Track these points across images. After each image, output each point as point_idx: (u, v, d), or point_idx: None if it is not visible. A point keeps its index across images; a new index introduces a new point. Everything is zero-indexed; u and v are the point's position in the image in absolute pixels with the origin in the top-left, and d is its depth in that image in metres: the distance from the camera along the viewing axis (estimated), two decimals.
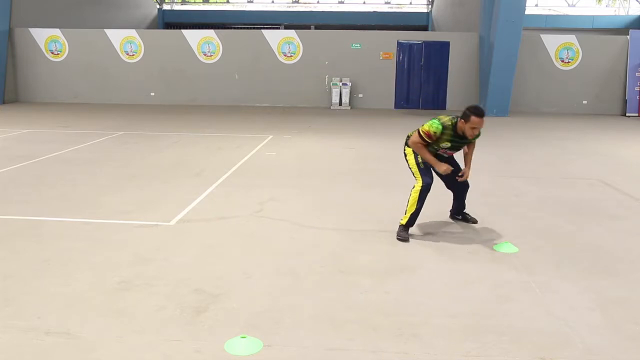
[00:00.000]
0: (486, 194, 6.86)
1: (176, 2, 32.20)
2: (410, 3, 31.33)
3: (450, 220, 5.76)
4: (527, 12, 16.77)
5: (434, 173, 5.26)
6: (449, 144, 5.10)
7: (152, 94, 18.28)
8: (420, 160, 5.15)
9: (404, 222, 5.16)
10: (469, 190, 5.62)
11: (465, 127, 4.95)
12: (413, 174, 5.22)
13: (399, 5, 31.47)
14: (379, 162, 8.85)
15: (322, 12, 30.90)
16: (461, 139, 5.10)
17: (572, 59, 17.39)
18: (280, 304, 3.72)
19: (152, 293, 3.86)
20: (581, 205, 6.40)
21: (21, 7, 18.45)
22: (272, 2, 31.81)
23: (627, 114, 16.92)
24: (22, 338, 3.23)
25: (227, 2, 32.43)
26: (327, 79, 17.80)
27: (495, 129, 13.37)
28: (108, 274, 4.19)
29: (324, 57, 17.89)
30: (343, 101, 17.52)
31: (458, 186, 5.50)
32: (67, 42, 18.33)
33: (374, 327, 3.42)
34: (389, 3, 31.45)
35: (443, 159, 5.28)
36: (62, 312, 3.56)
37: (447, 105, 17.78)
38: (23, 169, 7.93)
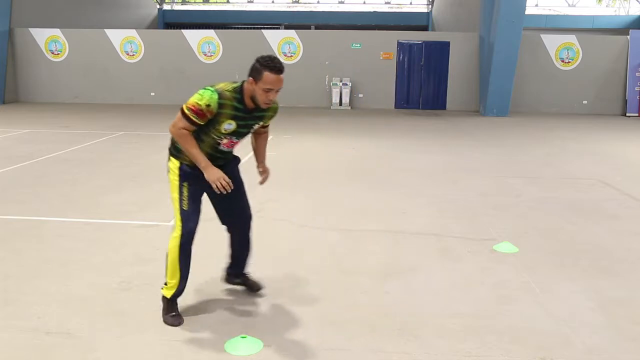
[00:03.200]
0: (486, 194, 6.86)
1: (176, 2, 32.21)
2: (411, 3, 31.35)
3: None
4: (527, 12, 16.77)
5: (201, 202, 3.54)
6: (233, 125, 3.32)
7: (152, 94, 18.28)
8: (184, 192, 3.41)
9: (168, 294, 3.47)
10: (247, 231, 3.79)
11: (255, 90, 3.24)
12: (173, 210, 3.47)
13: (399, 5, 31.49)
14: (379, 162, 8.84)
15: (322, 12, 30.92)
16: (251, 113, 3.37)
17: (573, 59, 17.39)
18: (280, 304, 3.72)
19: (152, 293, 3.86)
20: (581, 205, 6.40)
21: (21, 7, 18.46)
22: (272, 2, 31.82)
23: (627, 114, 16.92)
24: (22, 338, 3.23)
25: (227, 2, 32.44)
26: (327, 79, 17.80)
27: (495, 129, 13.37)
28: (108, 274, 4.19)
29: (324, 57, 17.89)
30: (343, 101, 17.52)
31: (236, 217, 3.73)
32: (67, 42, 18.33)
33: (374, 327, 3.42)
34: (389, 3, 31.46)
35: (222, 154, 3.49)
36: (62, 312, 3.56)
37: (447, 106, 17.78)
38: (23, 169, 7.93)
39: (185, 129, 3.29)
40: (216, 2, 32.65)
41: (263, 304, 3.73)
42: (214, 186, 3.32)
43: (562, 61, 17.42)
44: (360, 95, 17.90)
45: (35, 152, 9.19)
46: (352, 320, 3.50)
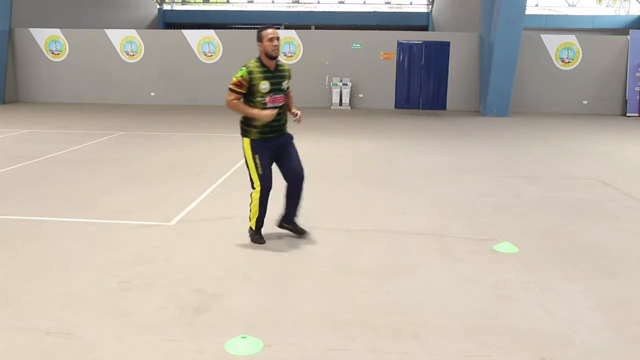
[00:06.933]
0: (486, 194, 6.86)
1: (176, 2, 32.21)
2: (411, 3, 31.36)
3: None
4: (527, 12, 16.77)
5: (271, 166, 4.82)
6: (268, 85, 4.59)
7: (152, 94, 18.28)
8: (257, 161, 4.70)
9: (253, 226, 4.92)
10: (303, 188, 4.96)
11: (265, 46, 4.57)
12: (250, 175, 4.79)
13: (399, 5, 31.50)
14: (379, 162, 8.84)
15: (322, 12, 30.93)
16: (274, 73, 4.65)
17: (573, 59, 17.39)
18: (280, 304, 3.72)
19: (152, 293, 3.86)
20: (581, 205, 6.40)
21: (21, 7, 18.46)
22: (272, 2, 31.82)
23: (627, 114, 16.92)
24: (22, 338, 3.23)
25: (228, 2, 32.44)
26: (327, 79, 17.80)
27: (495, 129, 13.37)
28: (108, 274, 4.19)
29: (324, 57, 17.89)
30: (343, 101, 17.52)
31: (293, 175, 4.90)
32: (67, 42, 18.33)
33: (374, 327, 3.42)
34: (389, 3, 31.47)
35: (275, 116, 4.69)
36: (62, 312, 3.56)
37: (447, 106, 17.78)
38: (23, 169, 7.93)
39: (235, 99, 4.64)
40: (216, 2, 32.65)
41: (263, 303, 3.73)
42: (267, 118, 4.61)
43: (562, 61, 17.42)
44: (360, 95, 17.89)
45: (35, 152, 9.19)
46: (352, 320, 3.50)
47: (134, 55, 18.29)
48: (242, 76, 4.56)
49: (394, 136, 11.80)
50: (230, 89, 4.62)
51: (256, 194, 4.80)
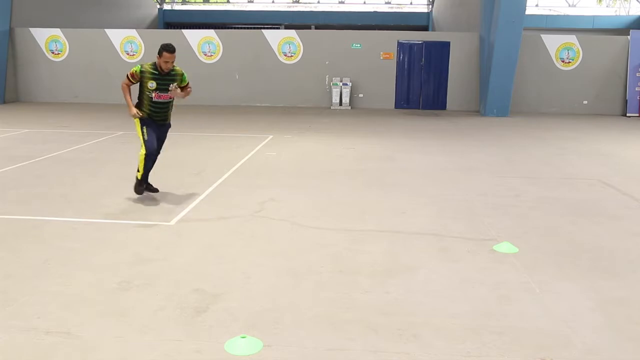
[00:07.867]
0: (486, 193, 6.86)
1: (176, 2, 32.22)
2: (411, 3, 31.37)
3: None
4: (527, 12, 16.76)
5: (155, 134, 6.19)
6: (154, 84, 6.00)
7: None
8: (144, 130, 6.08)
9: (139, 177, 6.17)
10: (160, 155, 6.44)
11: (160, 63, 5.97)
12: (140, 140, 6.16)
13: (399, 5, 31.51)
14: (379, 162, 8.84)
15: (323, 12, 30.94)
16: (164, 77, 6.03)
17: (573, 59, 17.38)
18: (280, 304, 3.72)
19: (152, 293, 3.86)
20: (581, 205, 6.40)
21: (21, 7, 18.45)
22: (273, 2, 31.83)
23: (628, 114, 16.92)
24: (22, 338, 3.23)
25: (228, 2, 32.45)
26: (327, 79, 17.80)
27: (495, 129, 13.37)
28: (108, 274, 4.19)
29: (324, 57, 17.89)
30: (343, 101, 17.52)
31: (158, 149, 6.35)
32: (68, 42, 18.33)
33: (374, 327, 3.42)
34: (389, 3, 31.48)
35: (158, 107, 6.15)
36: (62, 312, 3.56)
37: (447, 106, 17.78)
38: (23, 169, 7.93)
39: (126, 84, 6.10)
40: (216, 2, 32.65)
41: (263, 303, 3.73)
42: (132, 115, 6.05)
43: (562, 61, 17.42)
44: (360, 95, 17.89)
45: (35, 152, 9.19)
46: (352, 320, 3.51)
47: (134, 55, 18.29)
48: (135, 71, 6.01)
49: (394, 136, 11.80)
50: (127, 76, 6.06)
51: (142, 156, 6.11)
